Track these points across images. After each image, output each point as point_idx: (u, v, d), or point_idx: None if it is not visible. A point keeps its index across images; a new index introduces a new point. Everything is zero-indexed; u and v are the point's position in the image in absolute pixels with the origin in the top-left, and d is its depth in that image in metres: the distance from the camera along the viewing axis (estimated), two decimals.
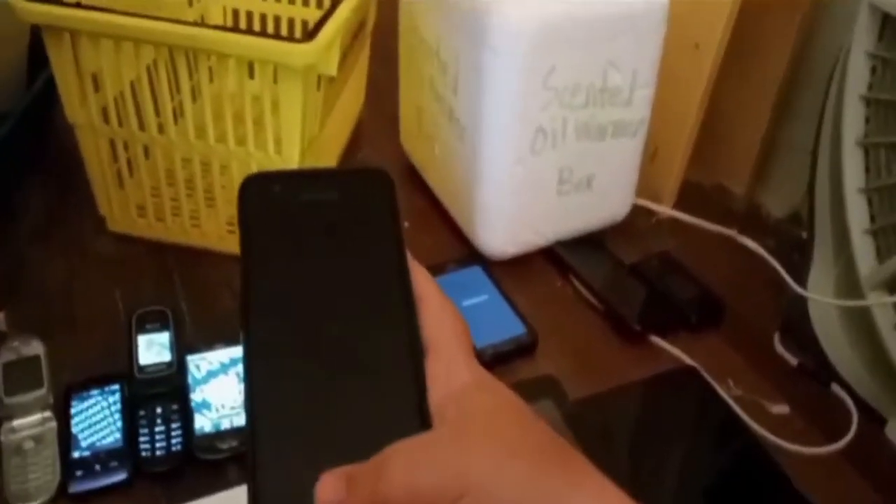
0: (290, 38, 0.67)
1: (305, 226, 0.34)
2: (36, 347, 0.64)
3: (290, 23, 1.02)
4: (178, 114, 0.75)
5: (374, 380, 0.32)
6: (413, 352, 0.33)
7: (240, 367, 0.66)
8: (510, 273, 0.80)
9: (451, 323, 0.35)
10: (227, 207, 0.80)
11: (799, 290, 0.72)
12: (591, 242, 0.84)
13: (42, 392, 0.61)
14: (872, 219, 0.68)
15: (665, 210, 0.88)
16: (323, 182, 0.36)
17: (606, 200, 0.84)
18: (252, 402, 0.31)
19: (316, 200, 0.35)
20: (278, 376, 0.32)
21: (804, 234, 0.83)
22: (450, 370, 0.33)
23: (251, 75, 0.78)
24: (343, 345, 0.32)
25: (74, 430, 0.60)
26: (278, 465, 0.30)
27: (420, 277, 0.35)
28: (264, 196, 0.35)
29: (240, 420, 0.62)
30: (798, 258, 0.77)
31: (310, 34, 0.67)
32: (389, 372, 0.32)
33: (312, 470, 0.30)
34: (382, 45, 0.98)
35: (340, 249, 0.34)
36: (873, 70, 0.67)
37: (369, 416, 0.31)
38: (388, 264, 0.35)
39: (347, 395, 0.32)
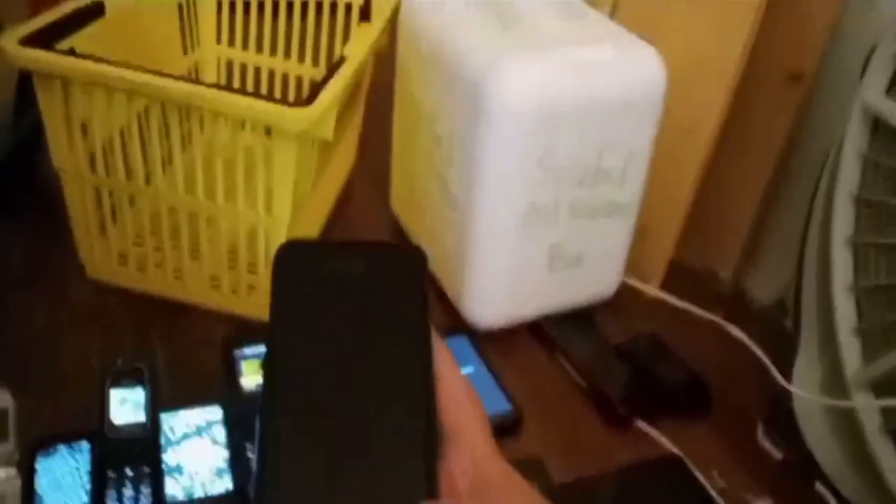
0: (286, 101, 0.67)
1: (335, 298, 0.35)
2: (4, 399, 0.62)
3: (285, 79, 1.01)
4: (166, 162, 0.74)
5: (386, 460, 0.32)
6: (428, 436, 0.33)
7: (215, 431, 0.65)
8: (496, 345, 0.79)
9: (472, 409, 0.34)
10: (212, 262, 0.79)
11: (784, 383, 0.71)
12: (579, 319, 0.84)
13: (8, 447, 0.59)
14: (860, 318, 0.68)
15: (652, 291, 0.88)
16: (357, 256, 0.37)
17: (595, 278, 0.84)
18: (264, 468, 0.31)
19: (348, 273, 0.36)
20: (293, 445, 0.32)
21: (788, 323, 0.83)
22: (475, 459, 0.33)
23: (244, 127, 0.77)
24: (358, 423, 0.32)
25: (39, 489, 0.58)
26: None
27: (443, 358, 0.35)
28: (297, 265, 0.36)
29: (213, 488, 0.60)
30: (784, 348, 0.76)
31: (307, 99, 0.66)
32: (401, 454, 0.32)
33: None
34: (375, 101, 0.98)
35: (367, 325, 0.35)
36: (864, 170, 0.68)
37: (377, 494, 0.31)
38: (412, 344, 0.35)
39: (358, 473, 0.31)
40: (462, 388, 0.34)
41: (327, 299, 0.35)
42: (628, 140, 0.75)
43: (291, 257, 0.36)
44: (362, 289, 0.36)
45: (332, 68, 0.71)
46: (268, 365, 0.33)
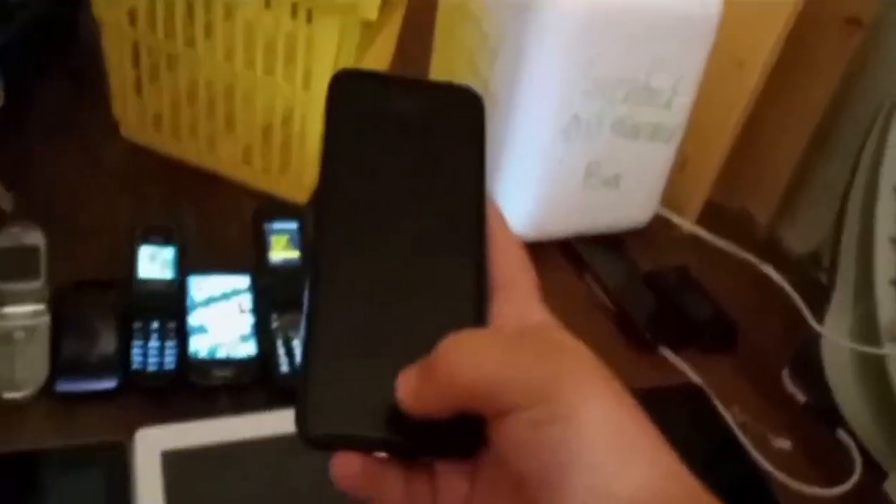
0: None
1: (390, 133, 0.34)
2: (37, 238, 0.61)
3: None
4: (208, 30, 0.72)
5: (437, 296, 0.31)
6: (479, 276, 0.31)
7: (242, 298, 0.64)
8: None
9: (522, 264, 0.33)
10: (246, 136, 0.77)
11: (816, 327, 0.71)
12: (610, 244, 0.82)
13: (38, 284, 0.58)
14: None
15: (687, 224, 0.86)
16: (415, 92, 0.35)
17: (631, 203, 0.83)
18: (314, 300, 0.30)
19: (404, 109, 0.34)
20: (342, 279, 0.31)
21: (822, 277, 0.82)
22: (521, 311, 0.31)
23: (291, 12, 0.75)
24: (409, 260, 0.32)
25: (67, 329, 0.57)
26: (332, 365, 0.29)
27: (496, 213, 0.33)
28: (354, 95, 0.34)
29: (237, 351, 0.60)
30: (814, 297, 0.76)
31: None
32: (451, 296, 0.31)
33: (365, 371, 0.29)
34: (418, 9, 0.96)
35: (422, 167, 0.33)
36: None
37: (428, 329, 0.30)
38: (466, 191, 0.33)
39: (409, 307, 0.31)
40: (513, 242, 0.33)
41: (382, 135, 0.33)
42: (678, 61, 0.73)
43: (347, 85, 0.34)
44: (419, 127, 0.34)
45: None
46: (319, 198, 0.32)
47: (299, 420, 0.28)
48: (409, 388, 0.28)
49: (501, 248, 0.33)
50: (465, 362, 0.28)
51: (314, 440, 0.28)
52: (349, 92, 0.34)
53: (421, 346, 0.29)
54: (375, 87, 0.34)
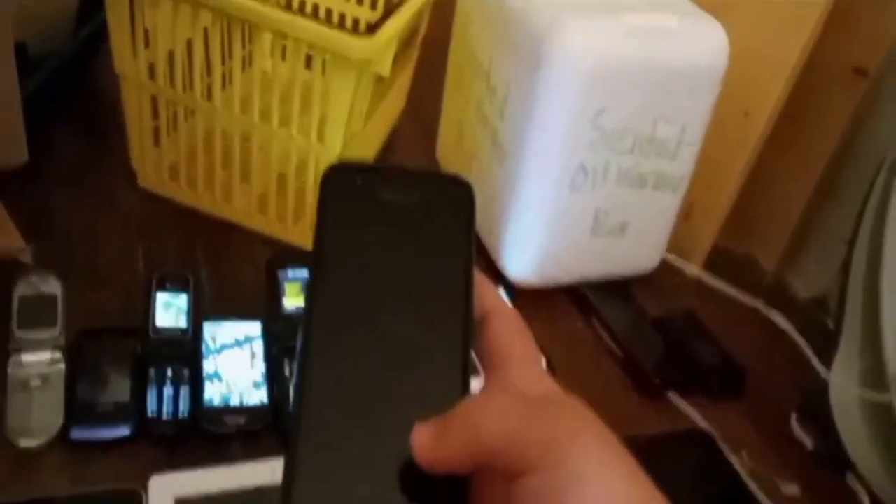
0: (350, 30, 0.67)
1: (381, 222, 0.34)
2: (54, 286, 0.62)
3: (342, 19, 1.01)
4: (225, 82, 0.75)
5: (424, 384, 0.32)
6: (465, 361, 0.32)
7: (255, 345, 0.65)
8: (531, 303, 0.79)
9: (522, 336, 0.34)
10: (261, 185, 0.79)
11: (823, 373, 0.71)
12: (617, 289, 0.83)
13: (55, 332, 0.59)
14: None
15: (693, 270, 0.87)
16: (406, 182, 0.36)
17: (637, 250, 0.84)
18: (303, 381, 0.31)
19: (395, 198, 0.35)
20: (332, 361, 0.31)
21: (829, 321, 0.83)
22: (526, 381, 0.32)
23: (306, 63, 0.78)
24: (398, 345, 0.32)
25: (82, 376, 0.58)
26: (320, 456, 0.30)
27: (489, 292, 0.35)
28: (345, 187, 0.35)
29: (250, 398, 0.61)
30: (821, 343, 0.76)
31: (370, 29, 0.67)
32: (440, 378, 0.32)
33: (354, 461, 0.30)
34: (429, 58, 0.98)
35: (412, 250, 0.34)
36: None
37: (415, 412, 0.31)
38: (454, 274, 0.34)
39: (397, 392, 0.31)
40: (511, 315, 0.34)
41: (373, 223, 0.34)
42: (684, 112, 0.75)
43: (339, 178, 0.35)
44: (409, 216, 0.35)
45: (392, 8, 0.71)
46: (311, 282, 0.33)
47: None
48: (425, 440, 0.29)
49: (500, 322, 0.34)
50: (491, 415, 0.29)
51: None
52: (342, 183, 0.35)
53: (406, 434, 0.30)
54: (367, 178, 0.35)
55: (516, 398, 0.31)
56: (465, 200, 0.35)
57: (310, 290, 0.33)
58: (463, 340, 0.33)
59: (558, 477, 0.27)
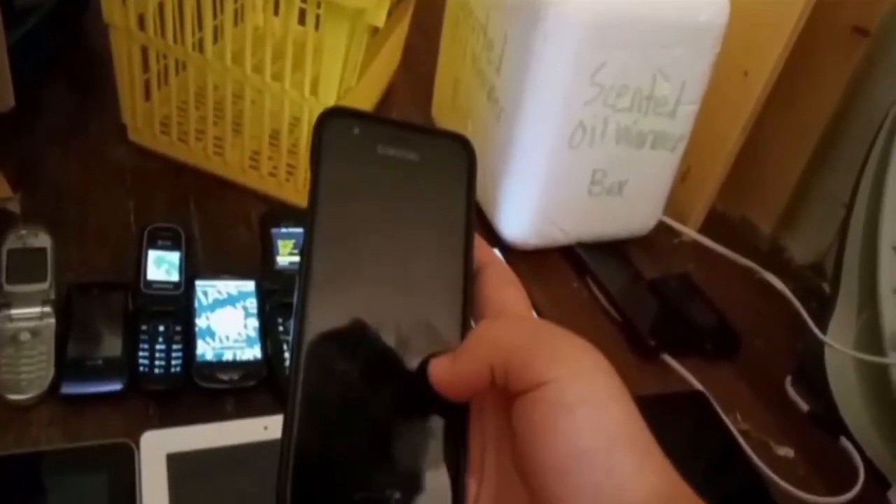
0: None
1: (378, 174, 0.33)
2: (44, 240, 0.61)
3: None
4: (217, 36, 0.73)
5: (425, 334, 0.31)
6: (464, 320, 0.32)
7: (248, 302, 0.64)
8: (527, 264, 0.79)
9: (514, 289, 0.34)
10: (253, 140, 0.78)
11: (820, 335, 0.71)
12: (613, 250, 0.83)
13: (44, 286, 0.58)
14: None
15: (690, 232, 0.87)
16: (404, 135, 0.34)
17: (635, 210, 0.83)
18: (300, 335, 0.30)
19: (393, 153, 0.33)
20: (330, 313, 0.31)
21: (825, 286, 0.82)
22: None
23: (299, 19, 0.76)
24: (396, 295, 0.32)
25: (73, 331, 0.58)
26: (315, 440, 0.29)
27: (481, 246, 0.34)
28: (342, 135, 0.33)
29: (243, 354, 0.60)
30: (817, 306, 0.76)
31: None
32: (440, 328, 0.32)
33: (348, 446, 0.29)
34: (425, 12, 0.96)
35: (409, 205, 0.33)
36: None
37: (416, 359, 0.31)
38: (454, 226, 0.33)
39: (398, 343, 0.31)
40: (503, 269, 0.34)
41: (371, 174, 0.33)
42: (683, 69, 0.74)
43: (336, 124, 0.33)
44: (408, 168, 0.33)
45: None
46: (307, 231, 0.32)
47: (279, 495, 0.28)
48: (443, 367, 0.30)
49: (493, 276, 0.33)
50: (506, 326, 0.30)
51: None
52: (338, 130, 0.33)
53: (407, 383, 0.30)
54: (366, 127, 0.34)
55: (526, 317, 0.32)
56: (465, 158, 0.34)
57: (306, 239, 0.31)
58: (463, 290, 0.32)
59: (565, 393, 0.27)
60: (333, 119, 0.33)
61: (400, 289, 0.32)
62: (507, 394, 0.29)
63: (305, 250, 0.31)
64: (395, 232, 0.32)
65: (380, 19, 0.68)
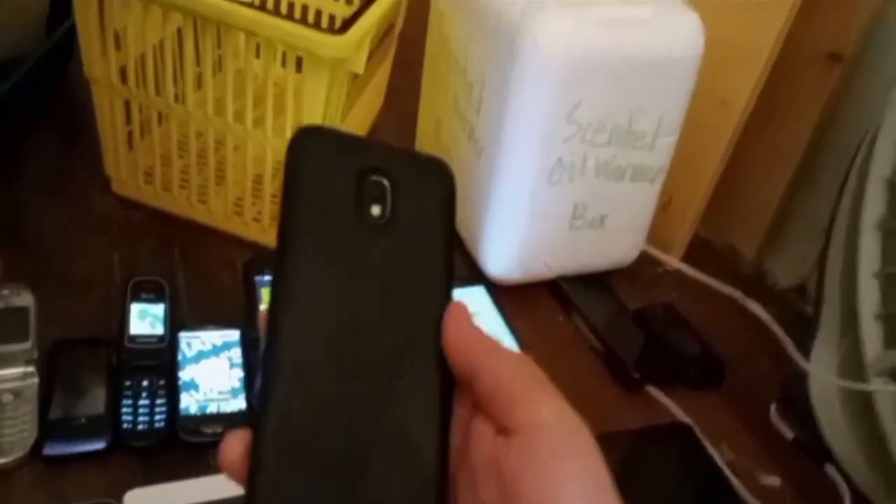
0: (322, 28, 0.66)
1: (353, 200, 0.31)
2: (26, 299, 0.62)
3: (318, 15, 1.00)
4: (197, 84, 0.74)
5: (395, 392, 0.30)
6: (443, 377, 0.31)
7: (232, 352, 0.65)
8: (512, 299, 0.79)
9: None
10: (237, 188, 0.78)
11: (802, 363, 0.71)
12: (597, 283, 0.83)
13: (27, 345, 0.59)
14: (884, 303, 0.68)
15: (673, 262, 0.87)
16: (380, 156, 0.32)
17: (617, 242, 0.84)
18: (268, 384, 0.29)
19: (370, 175, 0.32)
20: (296, 383, 0.30)
21: (809, 308, 0.83)
22: None
23: (276, 58, 0.77)
24: (367, 353, 0.30)
25: (56, 389, 0.58)
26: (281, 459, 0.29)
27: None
28: (316, 154, 0.31)
29: (227, 406, 0.60)
30: (801, 330, 0.76)
31: (342, 27, 0.66)
32: (410, 383, 0.31)
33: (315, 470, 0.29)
34: (406, 52, 0.97)
35: (384, 238, 0.32)
36: None
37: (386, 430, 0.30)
38: (433, 268, 0.32)
39: (364, 401, 0.30)
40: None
41: (344, 200, 0.31)
42: (661, 103, 0.74)
43: (310, 144, 0.31)
44: (383, 194, 0.32)
45: (366, 3, 0.70)
46: (277, 269, 0.30)
47: None
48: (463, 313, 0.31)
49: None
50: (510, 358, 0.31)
51: None
52: (311, 152, 0.32)
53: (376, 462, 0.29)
54: (340, 147, 0.32)
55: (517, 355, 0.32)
56: (444, 179, 0.33)
57: (274, 283, 0.30)
58: (439, 368, 0.31)
59: (560, 444, 0.29)
60: (307, 138, 0.32)
61: (372, 344, 0.30)
62: (492, 423, 0.30)
63: (277, 275, 0.30)
64: (375, 253, 0.31)
65: (359, 66, 0.69)
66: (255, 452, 0.28)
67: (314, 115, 0.70)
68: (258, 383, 0.30)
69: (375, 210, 0.32)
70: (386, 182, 0.32)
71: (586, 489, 0.28)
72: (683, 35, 0.73)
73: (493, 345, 0.31)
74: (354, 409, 0.30)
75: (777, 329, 0.75)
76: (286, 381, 0.29)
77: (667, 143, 0.77)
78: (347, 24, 0.66)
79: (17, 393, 0.56)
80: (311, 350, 0.30)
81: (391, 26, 0.93)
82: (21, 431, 0.54)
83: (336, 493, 0.29)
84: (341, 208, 0.31)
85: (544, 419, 0.29)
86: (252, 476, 0.28)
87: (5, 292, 0.62)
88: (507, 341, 0.73)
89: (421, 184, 0.33)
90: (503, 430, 0.30)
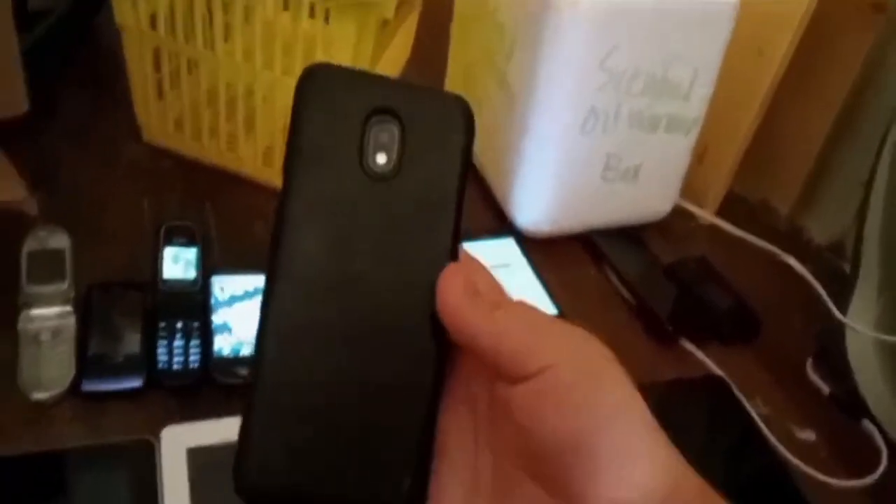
0: None
1: (357, 148, 0.30)
2: (62, 240, 0.62)
3: None
4: (228, 33, 0.73)
5: (394, 335, 0.30)
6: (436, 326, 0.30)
7: None
8: (542, 251, 0.78)
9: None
10: (266, 137, 0.78)
11: (840, 317, 0.70)
12: (629, 236, 0.82)
13: (64, 286, 0.59)
14: None
15: (707, 216, 0.86)
16: (392, 96, 0.31)
17: (650, 195, 0.83)
18: (264, 339, 0.30)
19: (379, 118, 0.30)
20: (295, 319, 0.29)
21: (845, 266, 0.81)
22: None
23: (309, 13, 0.76)
24: (367, 298, 0.30)
25: (93, 330, 0.58)
26: (277, 415, 0.29)
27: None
28: (326, 93, 0.30)
29: None
30: (837, 288, 0.75)
31: None
32: (408, 339, 0.30)
33: (310, 423, 0.29)
34: (434, 6, 0.96)
35: (388, 190, 0.30)
36: None
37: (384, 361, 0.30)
38: (443, 203, 0.30)
39: (352, 362, 0.29)
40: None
41: (354, 139, 0.30)
42: (696, 51, 0.73)
43: (321, 82, 0.30)
44: (395, 133, 0.30)
45: None
46: (279, 213, 0.29)
47: (236, 469, 0.28)
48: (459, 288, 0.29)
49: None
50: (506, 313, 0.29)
51: (248, 490, 0.28)
52: (322, 90, 0.30)
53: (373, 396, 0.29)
54: (352, 85, 0.31)
55: (524, 304, 0.31)
56: (462, 123, 0.31)
57: (277, 221, 0.29)
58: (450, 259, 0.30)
59: (567, 373, 0.27)
60: (315, 77, 0.30)
61: (373, 284, 0.30)
62: (503, 383, 0.29)
63: (276, 223, 0.29)
64: (378, 205, 0.30)
65: (389, 12, 0.68)
66: (250, 400, 0.29)
67: (343, 61, 0.69)
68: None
69: (381, 159, 0.30)
70: (395, 128, 0.30)
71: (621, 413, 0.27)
72: None
73: (485, 308, 0.29)
74: (343, 367, 0.29)
75: (814, 282, 0.74)
76: (276, 333, 0.29)
77: (702, 93, 0.76)
78: None
79: (55, 332, 0.57)
80: (303, 305, 0.29)
81: None
82: (60, 369, 0.55)
83: (324, 440, 0.29)
84: (344, 155, 0.30)
85: (553, 359, 0.28)
86: (245, 423, 0.28)
87: (42, 234, 0.62)
88: (538, 294, 0.73)
89: (435, 128, 0.31)
90: (513, 381, 0.28)
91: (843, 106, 0.85)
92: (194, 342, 0.59)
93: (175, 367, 0.57)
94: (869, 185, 0.73)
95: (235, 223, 0.74)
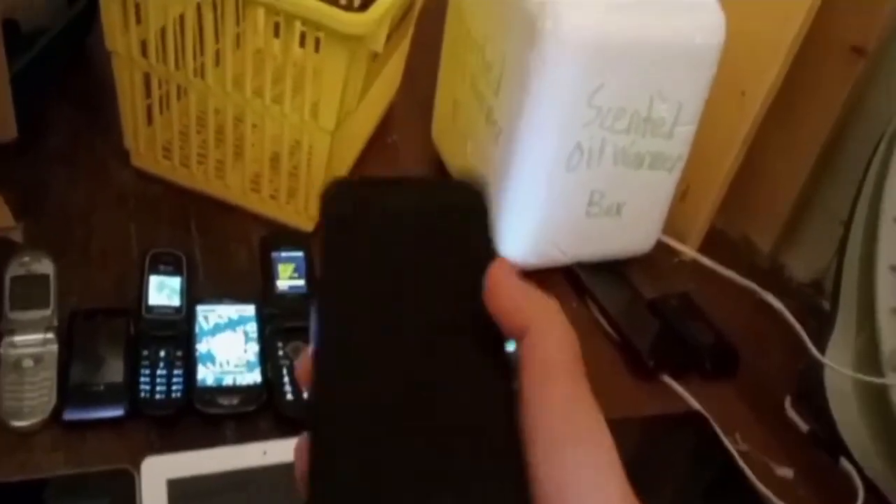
0: (344, 6, 0.66)
1: (390, 240, 0.31)
2: (46, 266, 0.62)
3: None
4: (218, 60, 0.74)
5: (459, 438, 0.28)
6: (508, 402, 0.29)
7: (248, 327, 0.65)
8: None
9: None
10: (254, 164, 0.78)
11: (818, 356, 0.71)
12: (612, 271, 0.83)
13: (47, 312, 0.59)
14: None
15: (689, 252, 0.87)
16: (412, 193, 0.33)
17: (633, 230, 0.83)
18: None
19: (404, 216, 0.32)
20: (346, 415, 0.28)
21: (825, 304, 0.82)
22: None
23: (300, 41, 0.77)
24: (424, 393, 0.29)
25: (75, 357, 0.58)
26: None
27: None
28: (349, 205, 0.32)
29: (243, 379, 0.60)
30: (816, 325, 0.76)
31: (362, 5, 0.66)
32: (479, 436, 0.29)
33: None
34: (424, 32, 0.97)
35: (427, 269, 0.31)
36: None
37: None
38: (475, 285, 0.30)
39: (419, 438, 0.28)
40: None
41: (381, 242, 0.31)
42: (680, 90, 0.74)
43: (341, 195, 0.32)
44: (419, 229, 0.32)
45: None
46: (319, 314, 0.29)
47: None
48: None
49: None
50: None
51: None
52: (344, 203, 0.32)
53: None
54: (369, 191, 0.33)
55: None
56: (478, 204, 0.32)
57: (319, 325, 0.29)
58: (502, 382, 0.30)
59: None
60: (334, 191, 0.32)
61: (423, 372, 0.29)
62: None
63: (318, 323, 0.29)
64: (413, 309, 0.30)
65: (379, 45, 0.69)
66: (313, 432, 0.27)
67: (332, 94, 0.70)
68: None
69: (410, 246, 0.32)
70: (415, 227, 0.32)
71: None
72: (705, 22, 0.72)
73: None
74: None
75: (793, 320, 0.75)
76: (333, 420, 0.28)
77: (686, 131, 0.77)
78: (369, 1, 0.66)
79: (37, 359, 0.57)
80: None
81: (411, 6, 0.93)
82: (41, 396, 0.55)
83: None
84: (377, 251, 0.31)
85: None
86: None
87: (26, 259, 0.62)
88: None
89: (454, 216, 0.32)
90: None
91: (824, 145, 0.86)
92: (177, 371, 0.59)
93: (157, 396, 0.57)
94: (848, 225, 0.74)
95: (222, 250, 0.74)
